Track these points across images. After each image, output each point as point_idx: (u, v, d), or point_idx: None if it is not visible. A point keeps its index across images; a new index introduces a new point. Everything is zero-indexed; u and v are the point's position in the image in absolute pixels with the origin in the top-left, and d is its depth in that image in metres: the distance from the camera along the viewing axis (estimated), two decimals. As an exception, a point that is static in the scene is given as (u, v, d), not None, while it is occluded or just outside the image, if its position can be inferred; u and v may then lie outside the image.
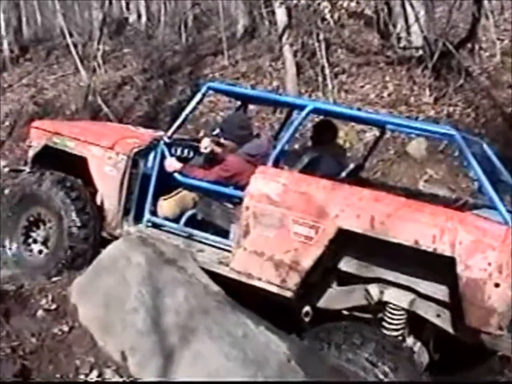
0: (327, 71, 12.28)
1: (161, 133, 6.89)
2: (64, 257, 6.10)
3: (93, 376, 4.80)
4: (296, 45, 12.86)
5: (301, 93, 12.43)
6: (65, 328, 5.14)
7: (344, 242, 5.12)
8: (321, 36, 12.41)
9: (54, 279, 5.88)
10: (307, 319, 5.49)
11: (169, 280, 5.26)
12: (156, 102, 14.05)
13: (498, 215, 4.88)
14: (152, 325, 4.96)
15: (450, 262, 4.75)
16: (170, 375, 4.69)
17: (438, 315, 5.09)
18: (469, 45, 11.98)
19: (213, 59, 14.93)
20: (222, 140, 6.22)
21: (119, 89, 15.03)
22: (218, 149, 6.39)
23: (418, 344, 5.46)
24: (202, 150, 6.34)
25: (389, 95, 12.08)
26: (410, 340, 5.38)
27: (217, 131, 6.45)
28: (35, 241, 6.47)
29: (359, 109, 11.31)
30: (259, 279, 5.38)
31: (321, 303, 5.48)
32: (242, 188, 5.65)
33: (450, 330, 5.07)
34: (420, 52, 12.30)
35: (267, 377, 4.64)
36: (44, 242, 6.39)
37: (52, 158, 6.66)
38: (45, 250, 6.36)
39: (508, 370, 7.05)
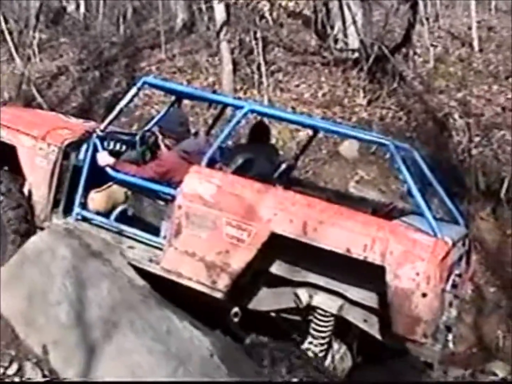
0: (263, 69, 12.26)
1: (93, 123, 6.80)
2: (8, 242, 5.91)
3: (13, 369, 4.76)
4: (234, 42, 12.83)
5: (236, 90, 12.39)
6: (-15, 321, 5.02)
7: (276, 245, 5.14)
8: (259, 34, 12.39)
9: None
10: (236, 320, 5.52)
11: (94, 273, 5.25)
12: (91, 94, 13.79)
13: (425, 222, 4.99)
14: (75, 318, 4.95)
15: (379, 270, 4.83)
16: (93, 370, 4.70)
17: (366, 321, 5.19)
18: (404, 50, 12.16)
19: (150, 52, 14.76)
20: (160, 138, 6.17)
21: (54, 79, 14.69)
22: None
23: (343, 348, 5.55)
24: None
25: (323, 95, 12.15)
26: (336, 345, 5.46)
27: (155, 128, 6.39)
28: None
29: (293, 109, 11.41)
30: (190, 279, 5.38)
31: (251, 305, 5.50)
32: (176, 185, 5.62)
33: (377, 335, 5.17)
34: (356, 54, 12.42)
35: (189, 372, 4.70)
36: None
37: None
38: None
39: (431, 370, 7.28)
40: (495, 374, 7.61)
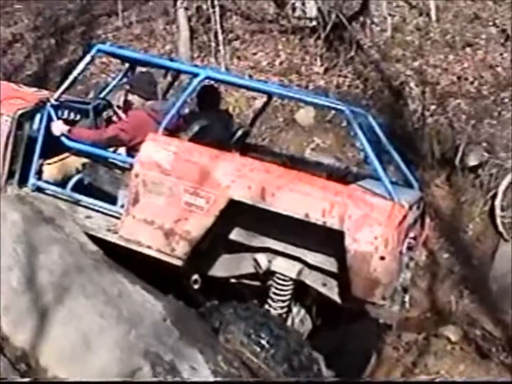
0: (220, 37, 12.21)
1: (46, 92, 6.70)
2: None
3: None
4: (191, 10, 12.71)
5: (193, 58, 12.32)
6: None
7: (235, 212, 5.16)
8: (216, 2, 12.31)
9: None
10: (196, 287, 5.56)
11: (45, 238, 5.23)
12: (47, 61, 13.57)
13: (382, 186, 5.07)
14: (26, 283, 4.92)
15: (338, 235, 4.89)
16: (44, 334, 4.69)
17: (325, 285, 5.27)
18: (361, 18, 12.16)
19: (107, 19, 14.50)
20: (129, 96, 6.14)
21: (9, 46, 14.40)
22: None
23: (302, 312, 5.63)
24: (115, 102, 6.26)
25: (280, 63, 12.13)
26: (295, 309, 5.54)
27: (125, 86, 6.35)
28: None
29: (250, 77, 11.38)
30: (149, 247, 5.38)
31: (211, 271, 5.54)
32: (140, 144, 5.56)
33: (336, 299, 5.25)
34: (314, 22, 12.39)
35: (141, 335, 4.71)
36: None
37: None
38: None
39: (385, 333, 7.44)
40: (448, 338, 7.82)
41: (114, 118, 6.45)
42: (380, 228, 4.86)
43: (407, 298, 5.51)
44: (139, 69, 7.03)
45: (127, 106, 6.28)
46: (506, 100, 10.30)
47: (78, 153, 6.03)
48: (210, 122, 6.16)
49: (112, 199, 5.84)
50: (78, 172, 6.12)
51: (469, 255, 8.88)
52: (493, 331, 7.98)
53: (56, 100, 6.01)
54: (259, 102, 10.49)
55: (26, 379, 4.55)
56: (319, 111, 10.47)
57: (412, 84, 10.93)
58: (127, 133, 5.79)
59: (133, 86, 6.12)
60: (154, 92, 6.16)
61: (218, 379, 4.65)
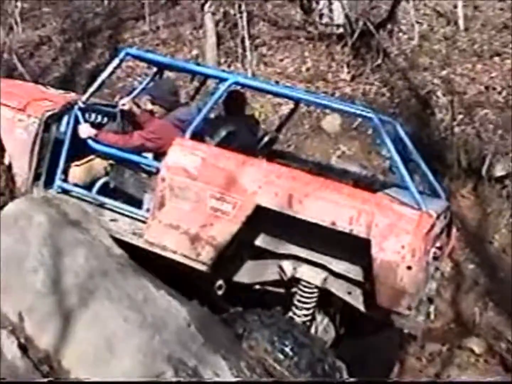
0: (247, 42, 12.23)
1: (73, 95, 6.72)
2: None
3: (-13, 336, 4.72)
4: (218, 15, 12.76)
5: (220, 63, 12.35)
6: (-40, 288, 4.96)
7: (260, 218, 5.13)
8: (244, 8, 12.34)
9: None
10: (220, 292, 5.54)
11: (71, 240, 5.24)
12: (73, 64, 13.68)
13: (408, 195, 5.02)
14: (51, 285, 4.93)
15: (364, 243, 4.85)
16: (68, 337, 4.69)
17: (350, 293, 5.23)
18: (389, 26, 12.13)
19: (134, 23, 14.60)
20: (150, 106, 6.12)
21: (36, 48, 14.54)
22: (137, 110, 6.29)
23: (326, 320, 5.60)
24: (120, 107, 6.24)
25: (307, 70, 12.12)
26: (319, 317, 5.50)
27: (146, 96, 6.30)
28: None
29: (277, 83, 11.36)
30: (174, 252, 5.37)
31: (235, 277, 5.52)
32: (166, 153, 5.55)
33: (360, 307, 5.21)
34: (341, 29, 12.38)
35: (165, 340, 4.70)
36: None
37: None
38: None
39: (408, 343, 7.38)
40: (471, 350, 7.73)
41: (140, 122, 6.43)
42: (408, 237, 4.81)
43: (432, 309, 5.47)
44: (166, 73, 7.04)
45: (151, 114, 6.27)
46: (534, 110, 10.20)
47: (105, 156, 6.03)
48: (237, 127, 6.15)
49: (137, 203, 5.84)
50: (105, 174, 6.12)
51: (494, 267, 8.78)
52: (518, 345, 7.89)
53: (83, 103, 6.03)
54: (285, 108, 10.50)
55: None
56: (346, 118, 10.43)
57: (439, 93, 10.87)
58: (153, 143, 5.79)
59: (155, 97, 6.09)
60: (176, 100, 6.17)
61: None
